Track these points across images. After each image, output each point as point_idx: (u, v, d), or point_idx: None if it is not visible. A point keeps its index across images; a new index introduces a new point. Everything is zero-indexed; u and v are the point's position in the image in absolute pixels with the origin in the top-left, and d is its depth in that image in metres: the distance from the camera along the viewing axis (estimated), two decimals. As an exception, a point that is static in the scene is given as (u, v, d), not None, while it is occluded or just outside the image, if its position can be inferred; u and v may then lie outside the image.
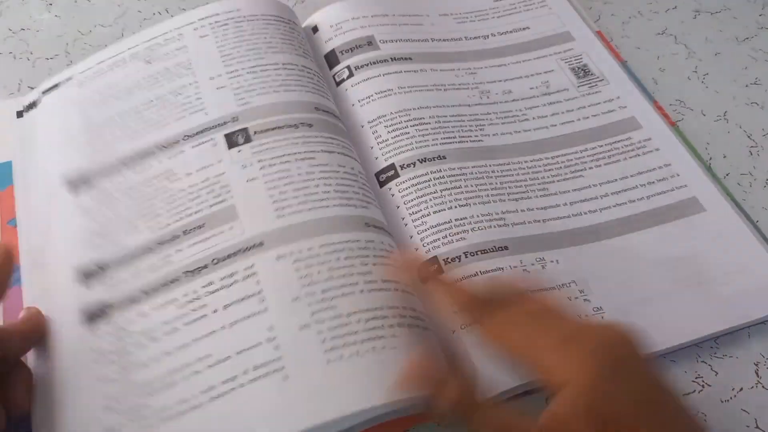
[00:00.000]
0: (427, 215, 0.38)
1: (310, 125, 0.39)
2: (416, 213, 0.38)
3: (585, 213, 0.39)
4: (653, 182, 0.40)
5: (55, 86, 0.44)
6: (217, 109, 0.40)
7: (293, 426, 0.29)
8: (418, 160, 0.40)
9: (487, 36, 0.48)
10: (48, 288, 0.36)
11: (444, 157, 0.40)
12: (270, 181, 0.37)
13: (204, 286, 0.34)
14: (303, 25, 0.47)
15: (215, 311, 0.33)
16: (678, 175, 0.41)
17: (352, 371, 0.31)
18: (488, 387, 0.32)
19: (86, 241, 0.37)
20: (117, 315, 0.34)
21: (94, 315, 0.34)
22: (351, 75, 0.44)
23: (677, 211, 0.39)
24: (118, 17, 0.51)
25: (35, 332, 0.34)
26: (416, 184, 0.39)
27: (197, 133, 0.39)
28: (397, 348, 0.31)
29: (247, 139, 0.38)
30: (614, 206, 0.39)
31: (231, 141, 0.39)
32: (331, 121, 0.40)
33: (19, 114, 0.44)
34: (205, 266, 0.34)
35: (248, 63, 0.42)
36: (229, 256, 0.34)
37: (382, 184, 0.40)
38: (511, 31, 0.49)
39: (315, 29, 0.47)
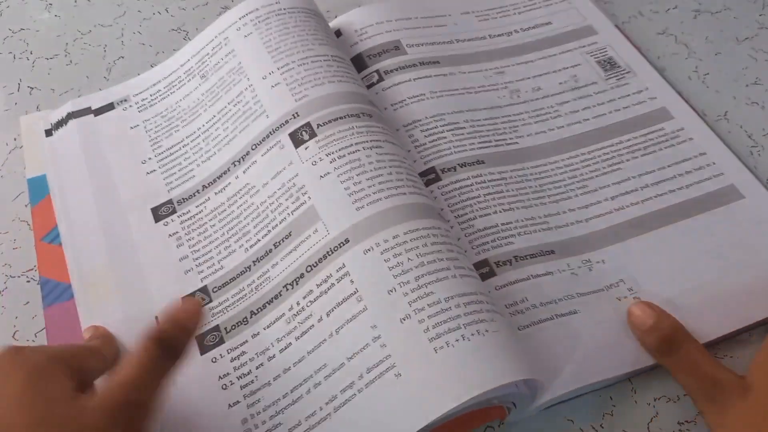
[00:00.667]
0: (474, 219, 0.37)
1: (370, 116, 0.38)
2: (462, 216, 0.38)
3: (627, 206, 0.39)
4: (690, 171, 0.41)
5: (110, 106, 0.43)
6: (277, 108, 0.39)
7: (415, 423, 0.29)
8: (458, 164, 0.39)
9: (511, 33, 0.48)
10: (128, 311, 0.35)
11: (483, 162, 0.40)
12: (343, 173, 0.35)
13: (305, 296, 0.33)
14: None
15: (320, 320, 0.32)
16: (714, 164, 0.41)
17: (462, 357, 0.30)
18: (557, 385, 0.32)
19: (185, 269, 0.36)
20: (230, 339, 0.34)
21: (209, 342, 0.34)
22: (381, 79, 0.44)
23: (717, 199, 0.40)
24: (118, 17, 0.51)
25: (116, 351, 0.34)
26: (459, 188, 0.38)
27: (263, 139, 0.38)
28: (499, 332, 0.31)
29: (312, 134, 0.37)
30: (655, 197, 0.40)
31: (296, 139, 0.37)
32: (383, 116, 0.40)
33: (48, 132, 0.43)
34: (302, 275, 0.34)
35: (298, 55, 0.40)
36: (320, 260, 0.34)
37: None
38: (533, 27, 0.48)
39: (338, 33, 0.47)
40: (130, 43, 0.49)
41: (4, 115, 0.45)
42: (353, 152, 0.36)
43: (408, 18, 0.47)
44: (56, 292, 0.37)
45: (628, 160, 0.41)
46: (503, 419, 0.34)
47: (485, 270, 0.36)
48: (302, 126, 0.38)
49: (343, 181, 0.35)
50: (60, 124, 0.43)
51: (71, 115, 0.43)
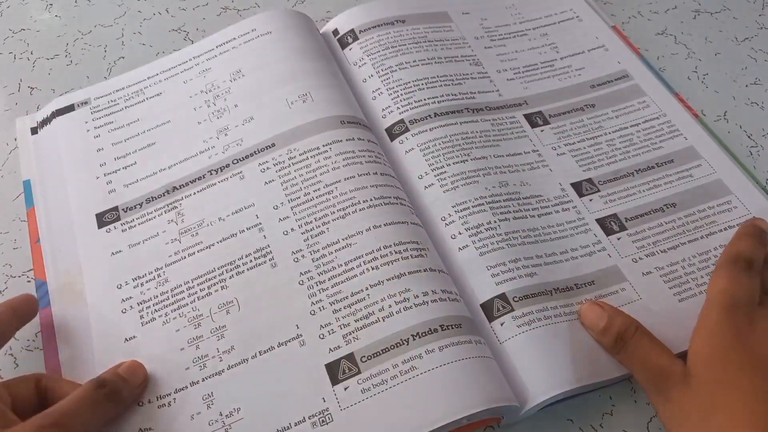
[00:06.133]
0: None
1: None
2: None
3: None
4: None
5: (71, 107, 0.43)
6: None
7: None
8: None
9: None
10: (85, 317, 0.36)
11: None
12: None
13: None
14: (321, 31, 0.47)
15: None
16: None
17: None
18: (533, 393, 0.32)
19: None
20: None
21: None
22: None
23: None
24: (118, 17, 0.51)
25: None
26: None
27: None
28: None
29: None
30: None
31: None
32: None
33: (34, 130, 0.43)
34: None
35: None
36: None
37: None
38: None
39: (335, 33, 0.47)
40: (131, 43, 0.49)
41: (5, 115, 0.45)
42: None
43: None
44: (46, 294, 0.37)
45: (623, 162, 0.41)
46: (499, 423, 0.34)
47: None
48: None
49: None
50: (45, 122, 0.43)
51: (54, 114, 0.43)
